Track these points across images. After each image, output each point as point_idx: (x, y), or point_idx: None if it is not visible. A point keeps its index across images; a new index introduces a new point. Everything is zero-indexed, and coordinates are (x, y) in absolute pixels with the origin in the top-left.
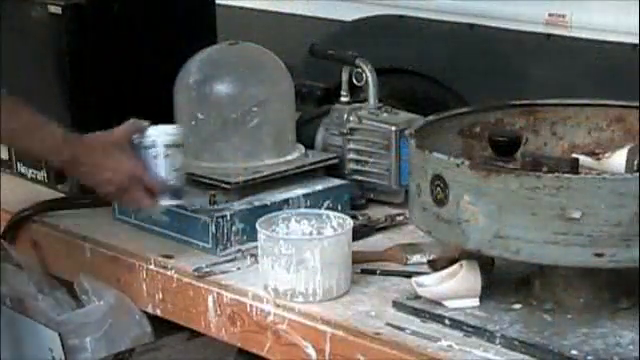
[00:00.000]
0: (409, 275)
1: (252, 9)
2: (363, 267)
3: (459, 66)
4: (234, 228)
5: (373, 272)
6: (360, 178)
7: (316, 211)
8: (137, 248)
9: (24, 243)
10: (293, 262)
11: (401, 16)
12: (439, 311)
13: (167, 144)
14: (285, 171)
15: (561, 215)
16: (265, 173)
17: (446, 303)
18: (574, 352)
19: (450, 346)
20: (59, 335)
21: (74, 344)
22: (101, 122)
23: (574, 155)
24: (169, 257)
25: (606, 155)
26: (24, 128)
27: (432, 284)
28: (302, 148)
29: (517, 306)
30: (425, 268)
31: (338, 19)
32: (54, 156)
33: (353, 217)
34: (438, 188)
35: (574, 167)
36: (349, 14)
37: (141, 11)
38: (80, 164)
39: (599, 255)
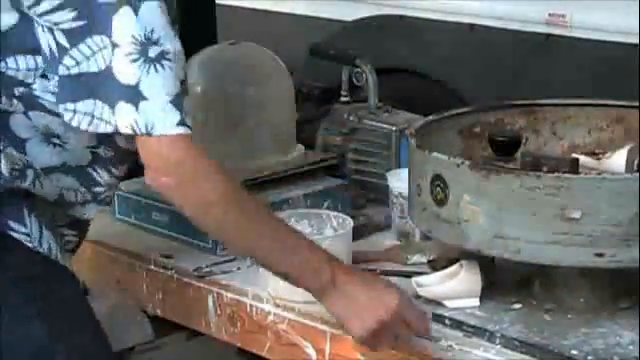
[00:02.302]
0: (409, 275)
1: (252, 9)
2: (363, 267)
3: (459, 66)
4: None
5: (373, 272)
6: (360, 178)
7: (316, 211)
8: (137, 248)
9: None
10: None
11: (401, 16)
12: (439, 311)
13: None
14: (285, 171)
15: (561, 215)
16: (265, 173)
17: (446, 303)
18: (574, 352)
19: (450, 346)
20: None
21: None
22: None
23: (574, 155)
24: (169, 257)
25: (606, 155)
26: (287, 249)
27: (432, 284)
28: (302, 148)
29: (517, 306)
30: (425, 268)
31: (338, 19)
32: (313, 279)
33: (353, 217)
34: (438, 188)
35: (574, 167)
36: (349, 14)
37: None
38: (336, 291)
39: (599, 255)
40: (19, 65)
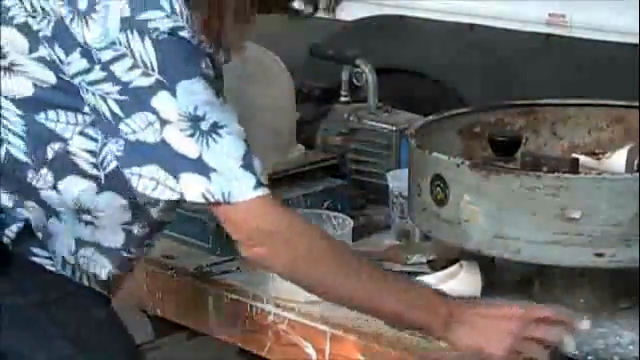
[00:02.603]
0: (409, 275)
1: None
2: None
3: (459, 66)
4: None
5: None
6: (360, 178)
7: (316, 211)
8: None
9: None
10: None
11: (401, 16)
12: None
13: None
14: (285, 171)
15: (561, 215)
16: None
17: None
18: (574, 352)
19: None
20: None
21: None
22: None
23: (574, 155)
24: (169, 257)
25: (606, 155)
26: (392, 289)
27: (432, 284)
28: (302, 148)
29: None
30: (425, 268)
31: (338, 19)
32: (432, 318)
33: (353, 217)
34: (438, 188)
35: (574, 167)
36: (349, 14)
37: None
38: (459, 323)
39: (599, 255)
40: (59, 118)
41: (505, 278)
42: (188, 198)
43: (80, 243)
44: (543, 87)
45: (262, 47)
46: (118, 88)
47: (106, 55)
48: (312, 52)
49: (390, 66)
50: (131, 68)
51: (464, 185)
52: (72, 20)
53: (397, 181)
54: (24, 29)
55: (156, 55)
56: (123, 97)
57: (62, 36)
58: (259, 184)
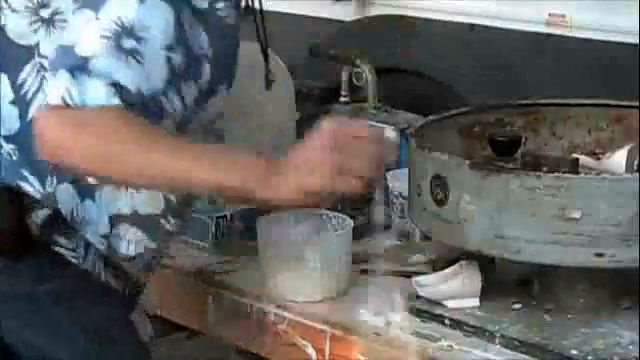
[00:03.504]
0: (409, 275)
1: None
2: (363, 267)
3: (459, 66)
4: (234, 228)
5: (373, 272)
6: None
7: (316, 211)
8: None
9: None
10: (293, 262)
11: (401, 16)
12: (439, 311)
13: None
14: None
15: (561, 215)
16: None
17: (446, 303)
18: (574, 352)
19: (450, 346)
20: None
21: None
22: None
23: (574, 155)
24: (169, 257)
25: (606, 155)
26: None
27: (432, 284)
28: None
29: (517, 306)
30: (425, 268)
31: (338, 19)
32: (247, 178)
33: (353, 217)
34: (438, 188)
35: (574, 167)
36: (349, 14)
37: None
38: (276, 175)
39: (599, 255)
40: None
41: (505, 278)
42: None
43: (116, 220)
44: (543, 87)
45: None
46: None
47: None
48: (312, 52)
49: (390, 66)
50: None
51: (464, 185)
52: None
53: (397, 181)
54: None
55: None
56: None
57: None
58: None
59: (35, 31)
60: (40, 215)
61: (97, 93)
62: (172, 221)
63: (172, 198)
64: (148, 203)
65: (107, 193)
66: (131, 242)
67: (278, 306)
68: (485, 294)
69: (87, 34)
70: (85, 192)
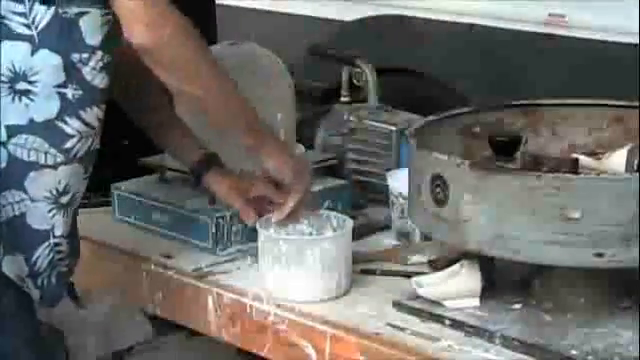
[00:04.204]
0: (409, 275)
1: (252, 9)
2: (363, 267)
3: (459, 66)
4: (234, 228)
5: (373, 272)
6: (360, 178)
7: (316, 211)
8: (137, 248)
9: None
10: (293, 262)
11: (401, 16)
12: (439, 311)
13: None
14: None
15: (561, 215)
16: None
17: (446, 303)
18: (574, 352)
19: (450, 346)
20: (61, 334)
21: (75, 343)
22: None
23: (574, 155)
24: (169, 257)
25: (606, 155)
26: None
27: (432, 284)
28: (302, 148)
29: (517, 306)
30: (425, 268)
31: (338, 19)
32: (254, 127)
33: (353, 217)
34: (438, 188)
35: (574, 167)
36: (349, 14)
37: None
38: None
39: (599, 255)
40: None
41: (505, 278)
42: None
43: (13, 131)
44: (543, 87)
45: (262, 47)
46: None
47: None
48: (312, 52)
49: (390, 66)
50: None
51: (464, 185)
52: None
53: (397, 181)
54: None
55: None
56: None
57: None
58: None
59: None
60: None
61: None
62: (69, 121)
63: (69, 96)
64: (42, 108)
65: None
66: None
67: (278, 306)
68: (485, 294)
69: None
70: None
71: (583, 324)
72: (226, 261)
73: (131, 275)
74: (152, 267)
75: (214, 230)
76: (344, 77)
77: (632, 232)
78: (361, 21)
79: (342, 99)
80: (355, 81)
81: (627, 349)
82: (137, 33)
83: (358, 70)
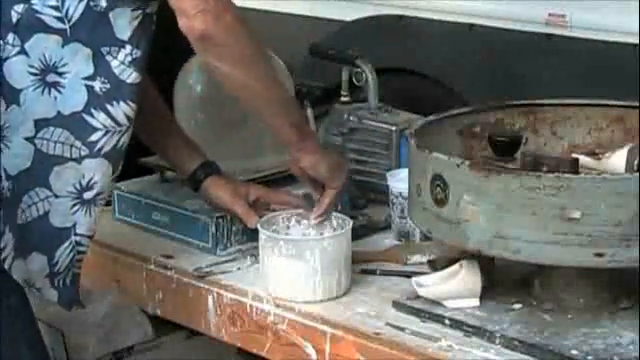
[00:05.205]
0: (409, 275)
1: (252, 9)
2: (363, 267)
3: (459, 66)
4: (234, 228)
5: (373, 272)
6: (360, 178)
7: None
8: (137, 248)
9: None
10: (293, 262)
11: (401, 16)
12: (439, 311)
13: None
14: (285, 171)
15: (561, 215)
16: (265, 173)
17: (446, 303)
18: (574, 352)
19: (450, 346)
20: (61, 334)
21: (76, 343)
22: None
23: (574, 155)
24: (169, 257)
25: (606, 155)
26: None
27: (432, 284)
28: None
29: (517, 306)
30: (425, 268)
31: (338, 19)
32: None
33: (353, 217)
34: (438, 188)
35: (574, 167)
36: (349, 14)
37: None
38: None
39: (599, 255)
40: None
41: (505, 278)
42: None
43: (40, 124)
44: (543, 87)
45: None
46: None
47: None
48: (312, 52)
49: (390, 66)
50: None
51: (464, 185)
52: None
53: (397, 181)
54: None
55: None
56: None
57: None
58: None
59: None
60: None
61: None
62: (96, 114)
63: (97, 89)
64: (70, 102)
65: (32, 93)
66: (57, 143)
67: (278, 306)
68: (485, 294)
69: None
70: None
71: (583, 324)
72: (226, 261)
73: (131, 275)
74: (152, 267)
75: (214, 230)
76: (344, 77)
77: (632, 232)
78: (361, 21)
79: (342, 99)
80: (355, 81)
81: (627, 349)
82: (200, 20)
83: (358, 70)
